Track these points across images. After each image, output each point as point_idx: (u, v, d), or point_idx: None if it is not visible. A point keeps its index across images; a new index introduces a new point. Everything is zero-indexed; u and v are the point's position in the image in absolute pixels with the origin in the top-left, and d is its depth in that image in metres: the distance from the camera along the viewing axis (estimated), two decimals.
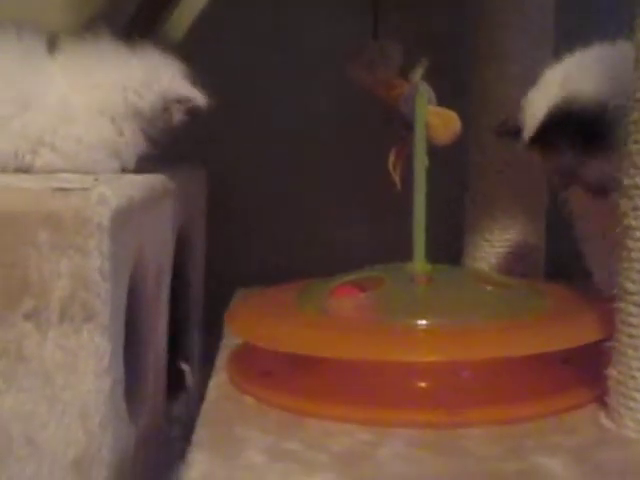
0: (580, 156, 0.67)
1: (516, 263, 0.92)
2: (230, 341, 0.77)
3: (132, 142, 0.76)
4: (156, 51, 0.78)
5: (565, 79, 0.68)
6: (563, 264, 0.86)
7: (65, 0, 1.04)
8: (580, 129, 0.65)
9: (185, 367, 0.89)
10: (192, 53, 0.81)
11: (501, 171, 0.91)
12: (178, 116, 0.77)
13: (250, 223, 1.14)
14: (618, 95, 0.62)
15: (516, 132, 0.71)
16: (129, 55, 0.77)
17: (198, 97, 0.77)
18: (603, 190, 0.67)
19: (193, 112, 0.77)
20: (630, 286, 0.56)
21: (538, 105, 0.68)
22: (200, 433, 0.58)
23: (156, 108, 0.76)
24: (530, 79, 0.83)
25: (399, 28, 0.99)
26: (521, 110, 0.71)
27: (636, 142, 0.55)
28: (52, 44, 0.76)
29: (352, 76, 0.83)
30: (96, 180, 0.62)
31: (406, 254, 0.72)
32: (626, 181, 0.56)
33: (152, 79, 0.76)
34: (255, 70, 1.11)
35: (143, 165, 0.77)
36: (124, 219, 0.58)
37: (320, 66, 1.11)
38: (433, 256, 0.72)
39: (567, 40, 0.72)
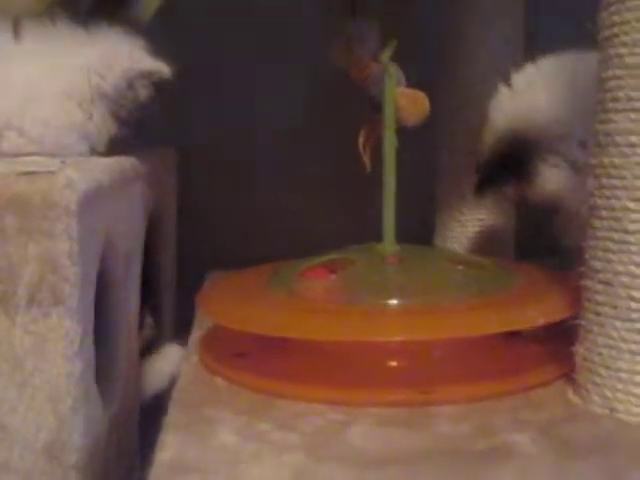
0: (521, 183, 0.74)
1: (486, 243, 0.93)
2: (201, 323, 0.77)
3: (102, 125, 0.75)
4: (116, 31, 0.77)
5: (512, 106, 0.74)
6: (532, 244, 0.87)
7: None
8: (515, 161, 0.73)
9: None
10: (161, 33, 0.80)
11: (471, 152, 0.92)
12: (144, 92, 0.76)
13: (220, 206, 1.14)
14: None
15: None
16: (88, 37, 0.76)
17: (161, 68, 0.76)
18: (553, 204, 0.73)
19: (160, 85, 0.76)
20: (596, 264, 0.56)
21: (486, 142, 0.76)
22: (172, 414, 0.58)
23: (120, 87, 0.75)
24: (497, 62, 0.84)
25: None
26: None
27: (601, 122, 0.56)
28: (17, 29, 0.76)
29: (333, 57, 0.82)
30: (63, 163, 0.61)
31: (376, 235, 0.72)
32: (592, 160, 0.57)
33: (111, 58, 0.75)
34: (226, 50, 1.10)
35: (113, 147, 0.76)
36: (92, 202, 0.58)
37: (290, 47, 1.10)
38: (403, 237, 0.73)
39: None
